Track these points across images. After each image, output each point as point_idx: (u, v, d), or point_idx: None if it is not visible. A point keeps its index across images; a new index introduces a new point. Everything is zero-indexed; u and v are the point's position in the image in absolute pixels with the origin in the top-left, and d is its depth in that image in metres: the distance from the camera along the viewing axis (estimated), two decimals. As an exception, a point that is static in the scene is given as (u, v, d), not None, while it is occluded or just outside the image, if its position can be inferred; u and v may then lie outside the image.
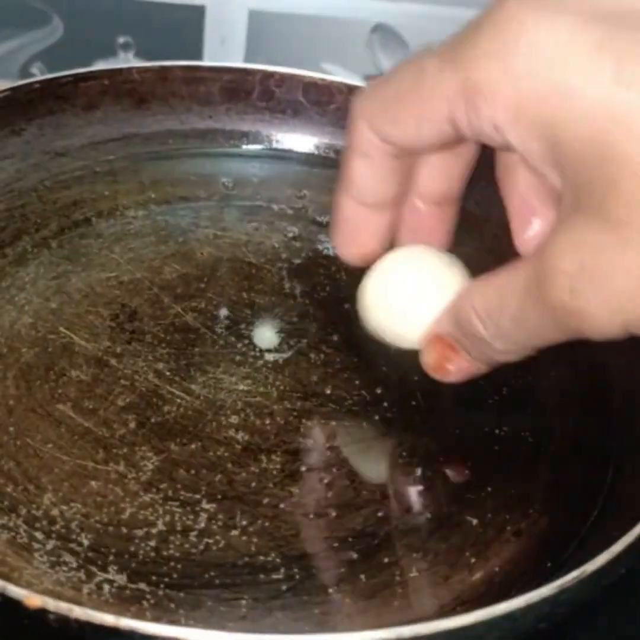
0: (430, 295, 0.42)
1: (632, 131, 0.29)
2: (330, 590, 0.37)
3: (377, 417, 0.45)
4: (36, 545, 0.37)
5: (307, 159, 0.62)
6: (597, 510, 0.40)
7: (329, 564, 0.38)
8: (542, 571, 0.38)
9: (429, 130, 0.37)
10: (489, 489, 0.42)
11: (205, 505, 0.39)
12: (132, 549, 0.37)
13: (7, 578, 0.31)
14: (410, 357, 0.44)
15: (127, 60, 0.77)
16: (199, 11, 0.75)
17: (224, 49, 0.77)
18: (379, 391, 0.46)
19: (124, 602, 0.35)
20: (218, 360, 0.46)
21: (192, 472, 0.41)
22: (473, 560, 0.39)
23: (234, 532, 0.38)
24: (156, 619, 0.34)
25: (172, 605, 0.35)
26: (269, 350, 0.48)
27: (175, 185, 0.58)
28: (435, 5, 0.76)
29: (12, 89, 0.55)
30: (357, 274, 0.50)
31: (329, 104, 0.61)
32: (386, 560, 0.38)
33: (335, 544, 0.39)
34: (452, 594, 0.38)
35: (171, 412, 0.43)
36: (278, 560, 0.38)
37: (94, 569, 0.36)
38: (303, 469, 0.42)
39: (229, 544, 0.38)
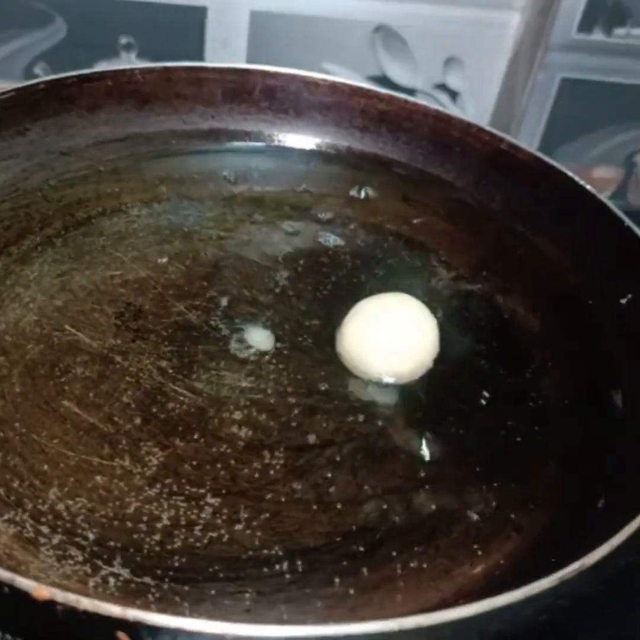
0: (408, 333, 0.47)
1: None
2: (334, 584, 0.37)
3: (379, 414, 0.45)
4: (42, 540, 0.37)
5: (309, 158, 0.62)
6: (598, 507, 0.41)
7: (332, 558, 0.38)
8: (542, 566, 0.38)
9: None
10: (491, 485, 0.42)
11: (209, 499, 0.40)
12: (137, 543, 0.38)
13: (15, 571, 0.32)
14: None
15: (129, 61, 0.77)
16: (201, 12, 0.75)
17: (226, 49, 0.77)
18: (382, 388, 0.47)
19: (129, 595, 0.36)
20: (221, 357, 0.47)
21: (197, 467, 0.41)
22: (474, 554, 0.39)
23: (238, 527, 0.39)
24: (161, 612, 0.34)
25: (177, 599, 0.36)
26: (271, 348, 0.48)
27: (178, 184, 0.59)
28: (435, 6, 0.76)
29: (17, 90, 0.55)
30: (357, 270, 0.51)
31: (330, 104, 0.62)
32: (388, 554, 0.39)
33: (338, 538, 0.39)
34: (454, 587, 0.38)
35: (175, 409, 0.44)
36: (281, 554, 0.38)
37: (99, 562, 0.37)
38: (305, 464, 0.42)
39: (233, 538, 0.38)
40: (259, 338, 0.49)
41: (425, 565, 0.39)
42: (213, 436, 0.43)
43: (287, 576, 0.37)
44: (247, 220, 0.57)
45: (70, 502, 0.39)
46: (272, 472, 0.41)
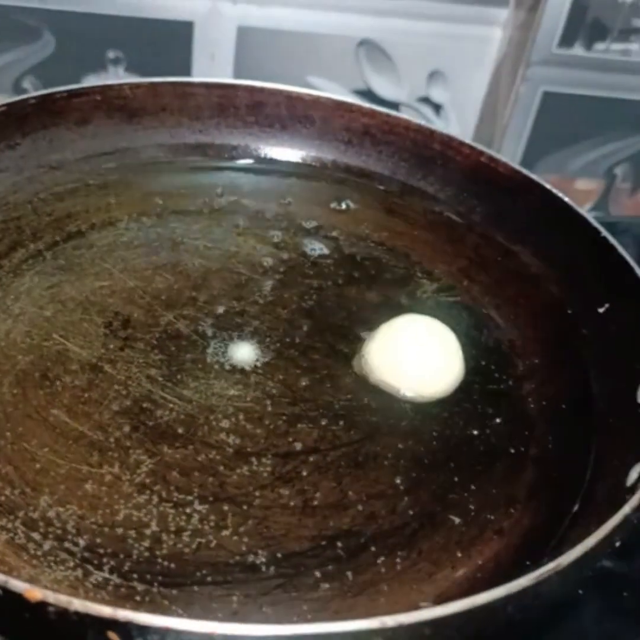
0: (434, 351, 0.49)
1: None
2: (319, 587, 0.38)
3: (363, 421, 0.46)
4: (34, 546, 0.38)
5: (295, 171, 0.63)
6: (576, 510, 0.42)
7: (317, 562, 0.39)
8: (523, 567, 0.39)
9: None
10: (472, 489, 0.43)
11: (197, 506, 0.40)
12: (127, 548, 0.38)
13: (7, 576, 0.33)
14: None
15: (117, 75, 0.78)
16: (188, 27, 0.76)
17: (213, 64, 0.78)
18: (365, 397, 0.48)
19: (120, 599, 0.36)
20: (209, 366, 0.48)
21: (185, 474, 0.42)
22: (456, 558, 0.40)
23: (225, 532, 0.40)
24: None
25: (166, 602, 0.37)
26: (258, 357, 0.49)
27: (166, 197, 0.59)
28: (418, 20, 0.77)
29: (8, 105, 0.56)
30: (342, 281, 0.52)
31: (315, 118, 0.63)
32: (372, 558, 0.40)
33: (323, 543, 0.40)
34: (437, 590, 0.39)
35: (164, 417, 0.44)
36: (268, 558, 0.39)
37: (90, 568, 0.37)
38: (291, 471, 0.43)
39: (220, 544, 0.39)
40: (246, 347, 0.49)
41: (408, 569, 0.40)
42: (201, 443, 0.43)
43: (274, 580, 0.38)
44: (233, 232, 0.58)
45: (61, 509, 0.39)
46: (259, 478, 0.42)
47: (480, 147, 0.60)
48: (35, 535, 0.38)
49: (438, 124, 0.82)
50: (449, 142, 0.61)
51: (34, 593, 0.29)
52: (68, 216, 0.56)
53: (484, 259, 0.57)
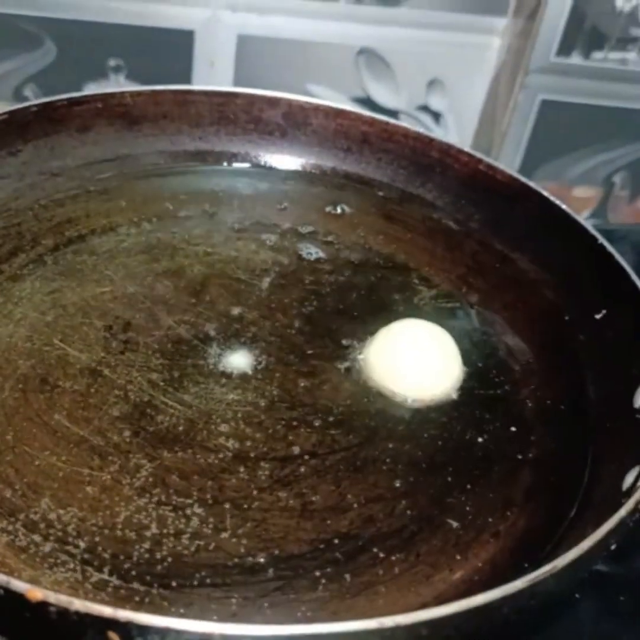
0: (432, 355, 0.49)
1: None
2: (317, 589, 0.39)
3: (362, 425, 0.47)
4: (34, 548, 0.38)
5: (294, 178, 0.64)
6: (573, 513, 0.42)
7: (316, 564, 0.39)
8: (520, 571, 0.39)
9: None
10: (470, 492, 0.44)
11: (196, 509, 0.41)
12: (127, 550, 0.39)
13: (8, 578, 0.33)
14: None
15: (118, 83, 0.78)
16: (189, 35, 0.76)
17: (213, 72, 0.78)
18: (364, 401, 0.48)
19: (120, 600, 0.37)
20: (209, 371, 0.48)
21: (184, 478, 0.42)
22: (454, 560, 0.41)
23: (224, 535, 0.40)
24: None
25: (165, 604, 0.37)
26: (257, 362, 0.49)
27: (166, 203, 0.60)
28: (417, 29, 0.78)
29: (10, 113, 0.56)
30: (340, 287, 0.52)
31: (314, 126, 0.63)
32: (370, 560, 0.40)
33: (322, 545, 0.40)
34: (434, 592, 0.39)
35: (164, 421, 0.45)
36: (266, 560, 0.39)
37: (90, 569, 0.38)
38: (290, 474, 0.43)
39: (219, 546, 0.39)
40: (246, 352, 0.50)
41: (406, 571, 0.40)
42: (200, 448, 0.44)
43: (272, 582, 0.38)
44: (233, 238, 0.58)
45: (62, 512, 0.40)
46: (257, 482, 0.43)
47: (478, 154, 0.60)
48: (36, 537, 0.39)
49: (437, 132, 0.82)
50: (447, 149, 0.61)
51: (35, 593, 0.29)
52: (69, 222, 0.57)
53: (482, 265, 0.58)
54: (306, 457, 0.44)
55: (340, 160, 0.64)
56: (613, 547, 0.36)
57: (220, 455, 0.43)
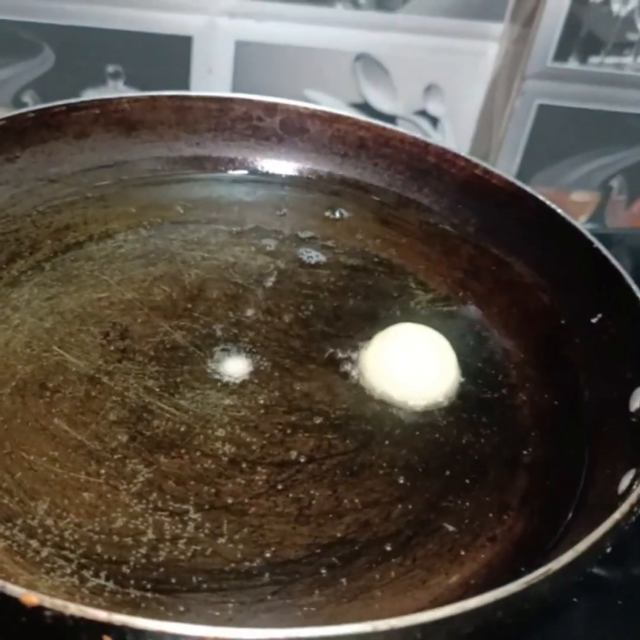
0: (429, 359, 0.49)
1: None
2: (313, 594, 0.39)
3: (359, 430, 0.47)
4: (31, 553, 0.38)
5: (291, 183, 0.64)
6: (569, 517, 0.42)
7: (312, 569, 0.40)
8: (516, 574, 0.39)
9: None
10: (466, 496, 0.44)
11: (193, 514, 0.41)
12: (123, 556, 0.39)
13: (4, 583, 0.33)
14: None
15: (116, 89, 0.78)
16: (187, 41, 0.77)
17: (211, 77, 0.78)
18: (360, 406, 0.48)
19: (116, 605, 0.37)
20: (205, 376, 0.48)
21: (181, 483, 0.42)
22: (450, 564, 0.41)
23: (221, 540, 0.40)
24: (147, 620, 0.35)
25: (162, 609, 0.37)
26: (254, 367, 0.49)
27: (163, 209, 0.60)
28: (415, 35, 0.78)
29: (7, 119, 0.57)
30: (338, 292, 0.52)
31: (311, 131, 0.63)
32: (366, 565, 0.40)
33: (318, 550, 0.40)
34: (430, 596, 0.39)
35: (161, 427, 0.45)
36: (263, 565, 0.39)
37: (86, 574, 0.38)
38: (287, 479, 0.43)
39: (216, 551, 0.40)
40: (242, 357, 0.50)
41: (402, 576, 0.40)
42: (197, 453, 0.44)
43: (269, 587, 0.39)
44: (230, 243, 0.58)
45: (59, 517, 0.40)
46: (254, 487, 0.43)
47: (474, 159, 0.61)
48: (33, 543, 0.39)
49: (435, 137, 0.83)
50: (443, 154, 0.61)
51: (31, 597, 0.29)
52: (66, 228, 0.57)
53: (479, 269, 0.58)
54: (303, 462, 0.44)
55: (337, 165, 0.64)
56: (608, 550, 0.36)
57: (217, 461, 0.44)
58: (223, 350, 0.50)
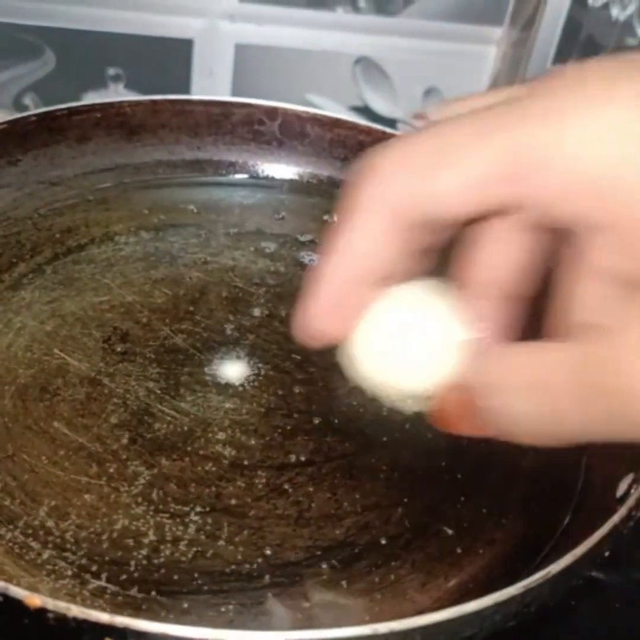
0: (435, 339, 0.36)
1: None
2: (313, 597, 0.39)
3: (358, 433, 0.47)
4: (33, 555, 0.38)
5: (291, 187, 0.64)
6: (567, 521, 0.42)
7: (312, 572, 0.40)
8: (515, 578, 0.39)
9: (470, 191, 0.30)
10: (465, 500, 0.44)
11: (194, 516, 0.41)
12: (125, 558, 0.39)
13: (6, 585, 0.33)
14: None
15: (117, 92, 0.78)
16: (188, 44, 0.77)
17: (211, 81, 0.79)
18: (360, 409, 0.48)
19: (117, 607, 0.37)
20: (206, 379, 0.48)
21: (182, 485, 0.42)
22: (449, 568, 0.41)
23: (222, 542, 0.40)
24: (148, 622, 0.35)
25: (163, 611, 0.37)
26: (254, 370, 0.50)
27: (164, 212, 0.60)
28: (414, 38, 0.78)
29: (9, 122, 0.57)
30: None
31: (311, 135, 0.64)
32: (366, 568, 0.40)
33: (318, 553, 0.41)
34: (429, 599, 0.40)
35: (161, 429, 0.45)
36: (263, 568, 0.40)
37: (87, 577, 0.38)
38: (287, 482, 0.44)
39: (216, 553, 0.40)
40: (243, 360, 0.50)
41: (401, 579, 0.40)
42: (198, 455, 0.44)
43: (269, 589, 0.39)
44: (231, 246, 0.59)
45: (60, 519, 0.40)
46: (254, 489, 0.43)
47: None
48: (34, 545, 0.39)
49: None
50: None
51: (34, 600, 0.29)
52: (68, 231, 0.57)
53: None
54: (303, 464, 0.45)
55: (337, 169, 0.64)
56: (607, 554, 0.36)
57: (218, 463, 0.44)
58: (223, 353, 0.50)
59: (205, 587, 0.38)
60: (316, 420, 0.47)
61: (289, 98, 0.66)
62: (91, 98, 0.77)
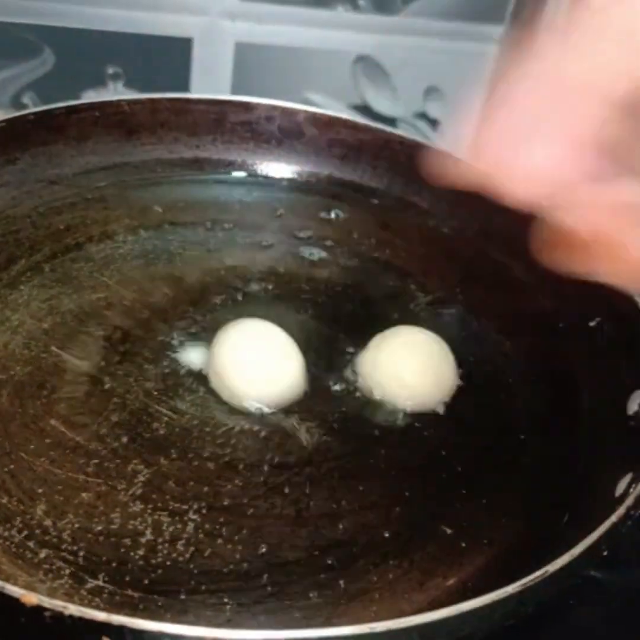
0: (427, 362, 0.49)
1: None
2: (311, 596, 0.39)
3: (357, 433, 0.47)
4: (30, 554, 0.38)
5: (290, 185, 0.64)
6: (566, 520, 0.42)
7: (310, 571, 0.40)
8: (513, 577, 0.39)
9: None
10: (463, 499, 0.44)
11: (192, 515, 0.41)
12: (122, 557, 0.39)
13: (3, 584, 0.33)
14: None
15: (116, 90, 0.78)
16: (187, 43, 0.77)
17: (211, 79, 0.78)
18: (358, 409, 0.48)
19: (114, 606, 0.37)
20: (204, 379, 0.48)
21: (180, 484, 0.42)
22: (447, 567, 0.41)
23: (219, 541, 0.40)
24: (145, 621, 0.35)
25: (161, 610, 0.37)
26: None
27: (163, 211, 0.60)
28: (414, 37, 0.78)
29: (8, 121, 0.57)
30: (337, 294, 0.52)
31: (310, 134, 0.64)
32: (364, 567, 0.40)
33: (316, 552, 0.41)
34: (428, 599, 0.40)
35: (160, 429, 0.45)
36: (261, 567, 0.39)
37: (85, 576, 0.38)
38: (285, 482, 0.43)
39: (214, 552, 0.40)
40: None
41: (400, 578, 0.40)
42: (196, 455, 0.44)
43: (267, 588, 0.39)
44: (229, 244, 0.59)
45: (57, 518, 0.40)
46: (252, 489, 0.43)
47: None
48: (32, 544, 0.39)
49: (435, 140, 0.83)
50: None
51: (30, 598, 0.29)
52: (66, 229, 0.57)
53: (477, 272, 0.58)
54: (301, 464, 0.45)
55: (336, 168, 0.64)
56: (605, 553, 0.36)
57: (216, 462, 0.44)
58: (222, 352, 0.50)
59: (203, 587, 0.38)
60: (315, 420, 0.47)
61: (289, 97, 0.66)
62: (90, 97, 0.76)
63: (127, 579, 0.38)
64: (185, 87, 0.78)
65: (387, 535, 0.42)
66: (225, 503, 0.42)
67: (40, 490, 0.41)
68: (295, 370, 0.48)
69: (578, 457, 0.45)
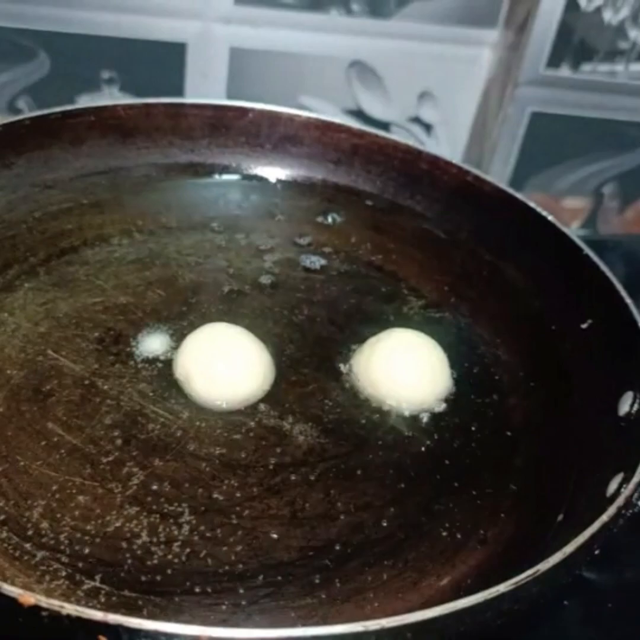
0: (420, 364, 0.50)
1: None
2: (306, 596, 0.39)
3: (351, 434, 0.47)
4: (27, 556, 0.39)
5: (284, 189, 0.64)
6: (559, 520, 0.43)
7: (305, 571, 0.40)
8: (507, 577, 0.39)
9: None
10: (457, 500, 0.44)
11: (187, 517, 0.41)
12: (118, 558, 0.39)
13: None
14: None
15: (111, 95, 0.78)
16: (182, 48, 0.77)
17: (205, 84, 0.79)
18: (353, 410, 0.49)
19: (110, 608, 0.37)
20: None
21: (175, 486, 0.43)
22: (441, 567, 0.41)
23: (215, 542, 0.40)
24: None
25: (157, 611, 0.37)
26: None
27: (158, 214, 0.61)
28: (408, 41, 0.79)
29: (3, 125, 0.57)
30: (332, 297, 0.53)
31: (304, 138, 0.64)
32: (359, 567, 0.41)
33: (311, 553, 0.41)
34: (422, 598, 0.40)
35: (155, 430, 0.45)
36: (256, 568, 0.40)
37: (81, 577, 0.38)
38: (280, 483, 0.44)
39: (210, 553, 0.40)
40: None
41: (394, 578, 0.41)
42: (191, 456, 0.44)
43: (262, 589, 0.39)
44: (223, 248, 0.59)
45: (54, 520, 0.40)
46: (248, 490, 0.43)
47: (466, 166, 0.61)
48: (28, 546, 0.39)
49: (429, 144, 0.83)
50: (436, 161, 0.62)
51: (28, 598, 0.29)
52: (62, 234, 0.57)
53: (470, 275, 0.58)
54: (296, 465, 0.45)
55: (330, 172, 0.65)
56: (597, 552, 0.37)
57: (211, 464, 0.44)
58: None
59: (199, 588, 0.39)
60: (310, 421, 0.47)
61: (283, 101, 0.66)
62: (85, 101, 0.77)
63: (124, 580, 0.38)
64: (180, 92, 0.78)
65: (381, 535, 0.42)
66: (221, 504, 0.42)
67: (36, 493, 0.41)
68: (253, 367, 0.49)
69: (570, 457, 0.46)
